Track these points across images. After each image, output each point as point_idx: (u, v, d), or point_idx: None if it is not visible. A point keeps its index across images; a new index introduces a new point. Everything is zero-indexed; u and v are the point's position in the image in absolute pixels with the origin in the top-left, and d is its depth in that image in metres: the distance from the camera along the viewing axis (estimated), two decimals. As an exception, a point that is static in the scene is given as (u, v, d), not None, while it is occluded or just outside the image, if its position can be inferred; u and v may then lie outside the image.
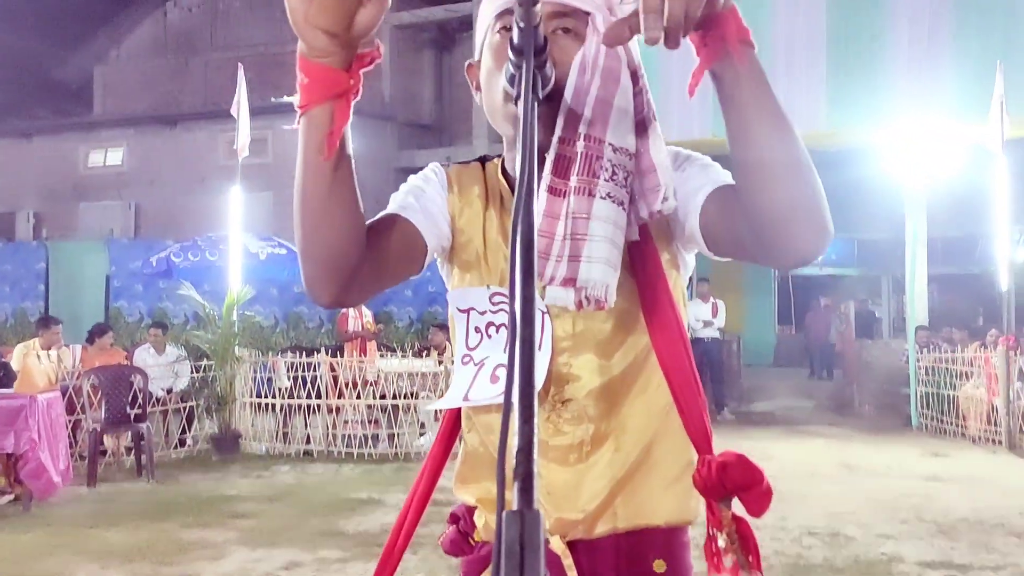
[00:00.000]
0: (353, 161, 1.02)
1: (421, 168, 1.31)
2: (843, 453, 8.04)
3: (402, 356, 8.65)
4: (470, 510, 1.29)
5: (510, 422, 0.61)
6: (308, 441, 8.30)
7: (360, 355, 9.07)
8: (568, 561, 1.18)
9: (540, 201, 1.05)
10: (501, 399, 0.62)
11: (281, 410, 8.43)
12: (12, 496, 6.04)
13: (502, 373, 1.11)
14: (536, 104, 0.89)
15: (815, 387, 13.39)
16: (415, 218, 1.17)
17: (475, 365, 1.20)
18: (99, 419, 7.09)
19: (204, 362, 8.54)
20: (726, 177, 1.10)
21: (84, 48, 20.42)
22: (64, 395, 7.01)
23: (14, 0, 17.12)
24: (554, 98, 1.05)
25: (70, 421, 7.10)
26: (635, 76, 1.08)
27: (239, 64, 8.80)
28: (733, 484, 1.12)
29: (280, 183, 14.84)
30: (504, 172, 1.26)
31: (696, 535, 1.24)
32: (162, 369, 8.51)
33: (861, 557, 4.72)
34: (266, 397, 8.52)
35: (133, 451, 7.45)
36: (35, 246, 15.34)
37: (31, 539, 5.22)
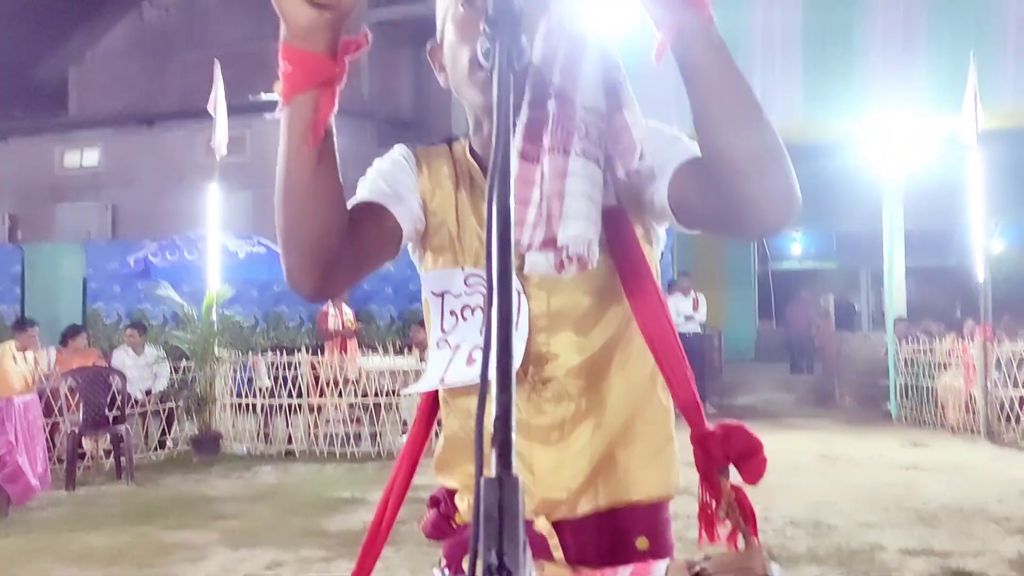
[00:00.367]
0: (336, 151, 1.00)
1: None
2: (824, 445, 8.09)
3: (383, 354, 8.62)
4: (450, 493, 1.27)
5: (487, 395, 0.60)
6: (290, 441, 8.26)
7: (341, 354, 9.03)
8: (554, 541, 1.17)
9: (513, 167, 1.02)
10: (479, 380, 0.61)
11: (262, 410, 8.38)
12: (-11, 500, 5.96)
13: (479, 356, 1.10)
14: (512, 77, 0.88)
15: (796, 380, 13.47)
16: (388, 203, 1.16)
17: (451, 349, 1.18)
18: (77, 421, 7.02)
19: (184, 363, 8.46)
20: (694, 149, 1.09)
21: (60, 48, 20.21)
22: (41, 397, 6.93)
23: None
24: (524, 65, 1.04)
25: (48, 424, 7.02)
26: (602, 39, 1.08)
27: (216, 61, 8.72)
28: (736, 453, 1.12)
29: (259, 181, 14.73)
30: (473, 152, 1.25)
31: (677, 510, 1.24)
32: (141, 370, 8.43)
33: (844, 546, 4.76)
34: (247, 397, 8.46)
35: (112, 453, 7.38)
36: (11, 248, 15.18)
37: (9, 544, 5.15)
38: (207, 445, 8.10)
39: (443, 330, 1.20)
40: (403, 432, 8.06)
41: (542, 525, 1.18)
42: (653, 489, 1.21)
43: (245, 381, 8.62)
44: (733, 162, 0.97)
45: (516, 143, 1.04)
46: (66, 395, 7.15)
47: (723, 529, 1.13)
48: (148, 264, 10.41)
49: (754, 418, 10.27)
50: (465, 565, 1.22)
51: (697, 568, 1.05)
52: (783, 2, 10.33)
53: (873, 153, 10.39)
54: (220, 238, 9.18)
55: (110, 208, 17.50)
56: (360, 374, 8.44)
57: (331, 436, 8.14)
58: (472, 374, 1.13)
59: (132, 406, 7.82)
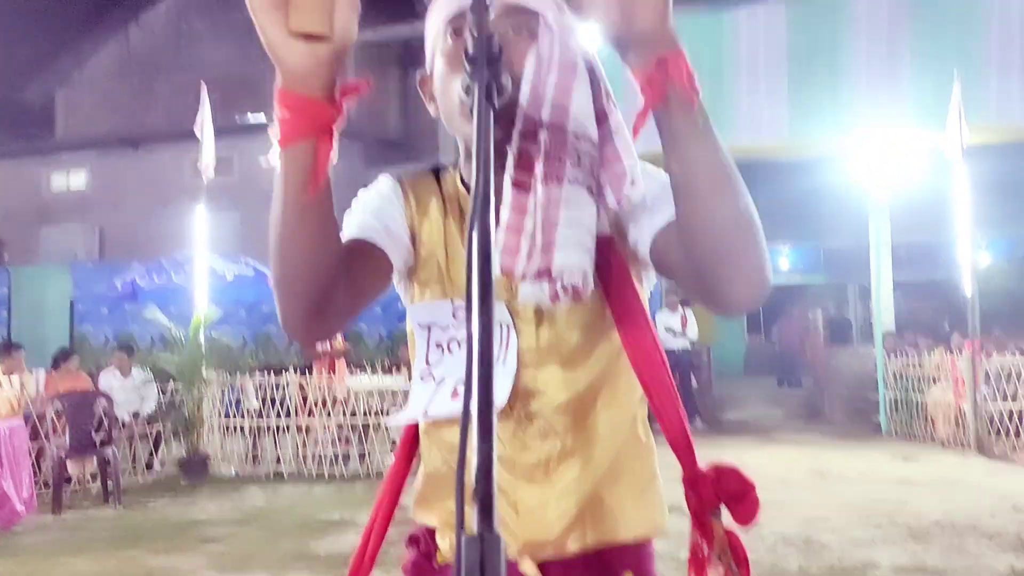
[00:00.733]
0: (332, 194, 0.97)
1: None
2: (815, 460, 8.09)
3: (372, 373, 8.59)
4: (430, 532, 1.25)
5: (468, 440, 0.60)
6: (278, 462, 8.20)
7: (329, 373, 8.99)
8: None
9: (505, 197, 1.03)
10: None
11: (250, 431, 8.32)
12: (-27, 527, 5.89)
13: (463, 390, 1.09)
14: (492, 113, 0.87)
15: (786, 395, 13.50)
16: (379, 239, 1.14)
17: (435, 382, 1.17)
18: (63, 445, 6.95)
19: (171, 384, 8.41)
20: None
21: (46, 71, 20.20)
22: (27, 422, 6.86)
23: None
24: (512, 96, 1.03)
25: (34, 448, 6.94)
26: (591, 67, 1.07)
27: (202, 83, 8.72)
28: (727, 495, 1.10)
29: (246, 202, 14.73)
30: (464, 182, 1.23)
31: (665, 547, 1.22)
32: (128, 393, 8.36)
33: (836, 564, 4.74)
34: (235, 418, 8.40)
35: (99, 477, 7.30)
36: (-3, 271, 15.07)
37: (-7, 571, 5.09)
38: (195, 467, 8.03)
39: (428, 363, 1.18)
40: (392, 451, 8.01)
41: (528, 568, 1.15)
42: (640, 528, 1.20)
43: (233, 402, 8.57)
44: (708, 237, 0.96)
45: (508, 172, 1.04)
46: (52, 419, 7.08)
47: (714, 573, 1.12)
48: (135, 286, 10.36)
49: (744, 433, 10.28)
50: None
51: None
52: (767, 20, 10.42)
53: (859, 169, 10.46)
54: (207, 259, 9.14)
55: (97, 230, 17.44)
56: (349, 394, 8.40)
57: (320, 457, 8.08)
58: (456, 407, 1.12)
59: (119, 429, 7.75)
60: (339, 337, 9.72)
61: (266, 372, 8.80)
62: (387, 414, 7.98)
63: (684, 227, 0.99)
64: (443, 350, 1.18)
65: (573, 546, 1.16)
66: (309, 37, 0.86)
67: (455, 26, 1.12)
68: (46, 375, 8.40)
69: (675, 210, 0.99)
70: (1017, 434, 8.34)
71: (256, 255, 11.40)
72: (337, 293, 1.02)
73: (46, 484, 7.01)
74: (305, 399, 8.38)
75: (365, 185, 1.26)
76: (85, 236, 17.40)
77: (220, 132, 8.93)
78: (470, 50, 0.86)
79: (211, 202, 9.12)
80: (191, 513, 6.63)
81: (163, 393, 8.44)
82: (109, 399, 7.40)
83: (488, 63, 0.89)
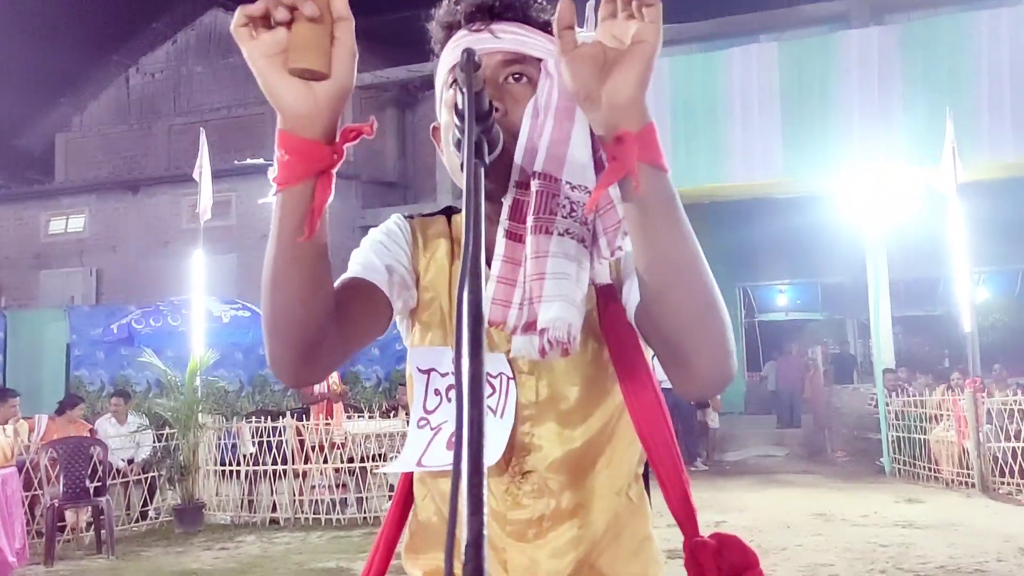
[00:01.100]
0: (327, 237, 0.96)
1: None
2: (818, 502, 7.99)
3: (369, 417, 8.51)
4: None
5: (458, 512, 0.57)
6: (274, 508, 8.09)
7: (327, 417, 8.91)
8: None
9: (499, 247, 1.02)
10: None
11: (246, 477, 8.22)
12: (-37, 579, 5.78)
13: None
14: (483, 169, 0.86)
15: (787, 435, 13.37)
16: (379, 280, 1.12)
17: (431, 429, 1.14)
18: (57, 494, 6.86)
19: (166, 430, 8.33)
20: None
21: (47, 116, 20.37)
22: (21, 470, 6.78)
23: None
24: (508, 145, 1.02)
25: (27, 496, 6.85)
26: None
27: (201, 128, 8.78)
28: (730, 567, 1.05)
29: (244, 245, 14.75)
30: None
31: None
32: (123, 439, 8.28)
33: (841, 610, 4.65)
34: (230, 464, 8.31)
35: (93, 526, 7.19)
36: (-7, 316, 15.01)
37: (-18, 625, 4.98)
38: (190, 515, 7.91)
39: (426, 409, 1.15)
40: (389, 497, 7.91)
41: None
42: None
43: (229, 447, 8.48)
44: (670, 316, 0.95)
45: (503, 222, 1.03)
46: (46, 467, 6.99)
47: None
48: (132, 330, 10.32)
49: (745, 474, 10.18)
50: None
51: None
52: (759, 60, 10.54)
53: (855, 205, 10.50)
54: (204, 302, 9.11)
55: (94, 273, 17.42)
56: (346, 438, 8.32)
57: (316, 502, 7.98)
58: (451, 458, 1.09)
59: (114, 476, 7.66)
60: (336, 380, 9.68)
61: (262, 416, 8.72)
62: (385, 458, 7.90)
63: (647, 303, 0.98)
64: (441, 397, 1.15)
65: None
66: (307, 76, 0.86)
67: (456, 76, 1.11)
68: (48, 421, 8.31)
69: (640, 280, 0.98)
70: (1022, 474, 8.23)
71: (253, 298, 11.39)
72: (328, 337, 1.00)
73: (39, 534, 6.90)
74: (302, 443, 8.30)
75: (363, 225, 1.25)
76: (82, 279, 17.39)
77: (218, 175, 8.99)
78: (459, 106, 0.85)
79: (208, 245, 9.14)
80: (185, 562, 6.51)
81: (158, 439, 8.35)
82: (104, 446, 7.33)
83: (478, 119, 0.88)
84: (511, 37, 1.09)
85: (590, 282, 1.05)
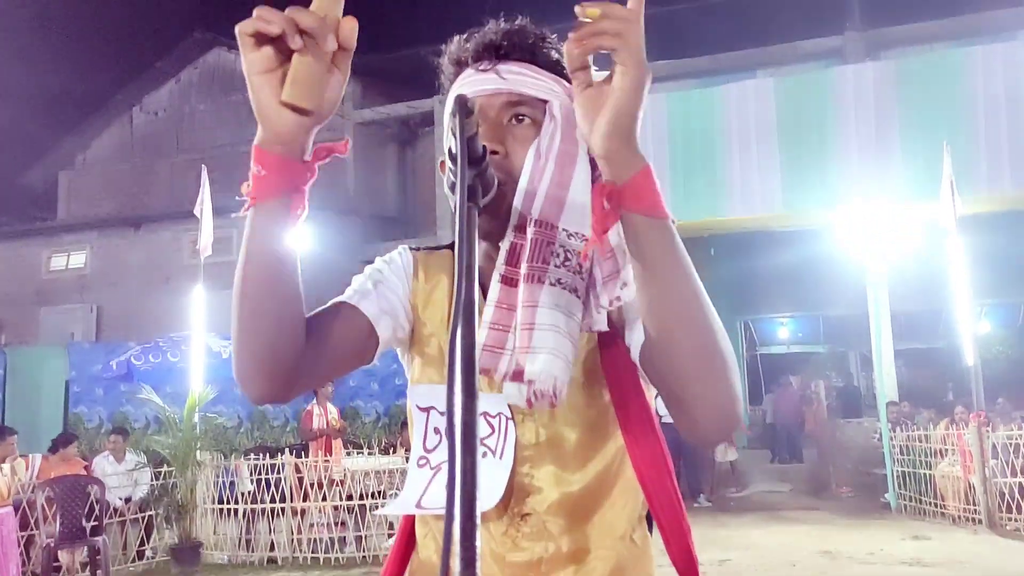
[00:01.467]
0: (298, 257, 0.99)
1: None
2: (823, 539, 7.89)
3: (368, 453, 8.45)
4: None
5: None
6: (272, 547, 7.99)
7: (326, 454, 8.84)
8: None
9: (493, 292, 1.02)
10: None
11: (244, 515, 8.13)
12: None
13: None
14: (477, 213, 0.85)
15: (791, 470, 13.25)
16: (368, 308, 1.12)
17: (431, 469, 1.13)
18: (53, 533, 6.78)
19: (164, 468, 8.26)
20: None
21: (51, 154, 20.50)
22: (17, 509, 6.71)
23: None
24: (508, 188, 1.02)
25: (23, 537, 6.77)
26: (594, 160, 1.06)
27: (203, 166, 8.83)
28: None
29: (245, 281, 14.71)
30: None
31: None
32: (121, 478, 8.21)
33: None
34: (228, 502, 8.23)
35: (89, 566, 7.10)
36: (-8, 353, 14.97)
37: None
38: (187, 554, 7.82)
39: (426, 448, 1.14)
40: (389, 535, 7.83)
41: None
42: None
43: (227, 485, 8.40)
44: (673, 357, 0.93)
45: (499, 266, 1.03)
46: (43, 506, 6.92)
47: None
48: (131, 367, 10.30)
49: (749, 510, 10.07)
50: None
51: None
52: (756, 95, 10.62)
53: (855, 238, 10.51)
54: (204, 338, 9.09)
55: (95, 309, 17.42)
56: (345, 475, 8.24)
57: (315, 541, 7.88)
58: None
59: (111, 515, 7.58)
60: (336, 415, 9.62)
61: (262, 453, 8.66)
62: (384, 495, 7.82)
63: (649, 347, 0.97)
64: (441, 436, 1.14)
65: None
66: (296, 110, 0.89)
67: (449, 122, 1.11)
68: (42, 460, 8.25)
69: (645, 324, 0.97)
70: (1029, 509, 8.13)
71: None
72: (299, 355, 1.00)
73: (34, 574, 6.81)
74: (301, 480, 8.22)
75: (364, 259, 1.26)
76: (83, 316, 17.38)
77: (219, 211, 9.00)
78: (452, 150, 0.85)
79: (209, 281, 9.13)
80: (182, 603, 6.42)
81: (156, 477, 8.28)
82: (102, 485, 7.26)
83: (472, 163, 0.87)
84: (516, 78, 1.09)
85: (588, 328, 1.04)
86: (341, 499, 8.01)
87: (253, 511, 8.11)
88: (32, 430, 10.59)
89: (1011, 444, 8.34)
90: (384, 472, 8.08)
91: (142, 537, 8.06)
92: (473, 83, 1.10)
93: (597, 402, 1.11)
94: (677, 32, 16.06)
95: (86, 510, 6.99)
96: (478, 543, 0.61)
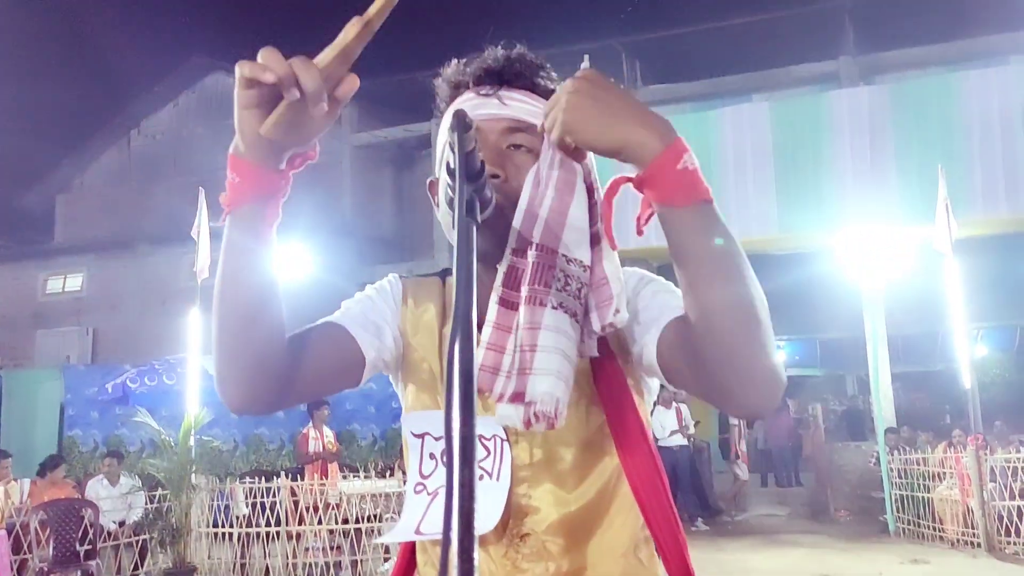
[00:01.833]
0: (277, 268, 1.01)
1: None
2: (822, 563, 7.84)
3: (364, 476, 8.39)
4: None
5: None
6: (267, 572, 7.92)
7: (321, 477, 8.78)
8: None
9: (491, 314, 1.02)
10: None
11: (239, 539, 8.06)
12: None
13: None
14: (476, 229, 0.85)
15: (788, 493, 13.20)
16: (355, 330, 1.13)
17: (428, 495, 1.13)
18: (46, 558, 6.72)
19: (159, 491, 8.20)
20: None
21: (48, 177, 20.56)
22: (11, 533, 6.65)
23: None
24: (507, 211, 1.03)
25: (16, 561, 6.71)
26: (591, 188, 1.07)
27: (200, 189, 8.84)
28: None
29: (241, 303, 14.70)
30: None
31: None
32: (115, 501, 8.15)
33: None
34: (223, 526, 8.16)
35: (82, 591, 7.03)
36: (-12, 376, 14.91)
37: None
38: (181, 579, 7.75)
39: (422, 474, 1.14)
40: (385, 559, 7.77)
41: None
42: None
43: (222, 509, 8.34)
44: (718, 334, 0.92)
45: (496, 288, 1.03)
46: (36, 530, 6.86)
47: None
48: (126, 389, 10.24)
49: (748, 534, 10.01)
50: None
51: None
52: (751, 118, 10.69)
53: (851, 261, 10.53)
54: (200, 361, 9.07)
55: (91, 332, 17.39)
56: (341, 498, 8.19)
57: (310, 566, 7.81)
58: None
59: (104, 539, 7.52)
60: (332, 438, 9.57)
61: (257, 476, 8.60)
62: (380, 519, 7.77)
63: (697, 320, 0.95)
64: (437, 461, 1.14)
65: None
66: (278, 145, 0.93)
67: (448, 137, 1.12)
68: (31, 484, 8.19)
69: (686, 303, 0.97)
70: (1028, 533, 8.10)
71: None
72: (278, 365, 1.01)
73: (26, 600, 6.75)
74: (296, 504, 8.16)
75: (360, 281, 1.27)
76: (79, 339, 17.35)
77: (216, 234, 8.99)
78: (450, 165, 0.86)
79: (206, 303, 9.10)
80: (175, 629, 6.35)
81: (151, 500, 8.22)
82: (95, 508, 7.20)
83: (470, 178, 0.88)
84: (518, 105, 1.11)
85: (580, 355, 1.05)
86: (337, 523, 7.95)
87: (248, 535, 8.04)
88: (27, 453, 10.52)
89: (1009, 467, 8.32)
90: (380, 495, 8.03)
91: (136, 561, 7.97)
92: (475, 105, 1.11)
93: (592, 421, 1.11)
94: (674, 57, 16.20)
95: (80, 534, 6.93)
96: (475, 557, 0.61)
